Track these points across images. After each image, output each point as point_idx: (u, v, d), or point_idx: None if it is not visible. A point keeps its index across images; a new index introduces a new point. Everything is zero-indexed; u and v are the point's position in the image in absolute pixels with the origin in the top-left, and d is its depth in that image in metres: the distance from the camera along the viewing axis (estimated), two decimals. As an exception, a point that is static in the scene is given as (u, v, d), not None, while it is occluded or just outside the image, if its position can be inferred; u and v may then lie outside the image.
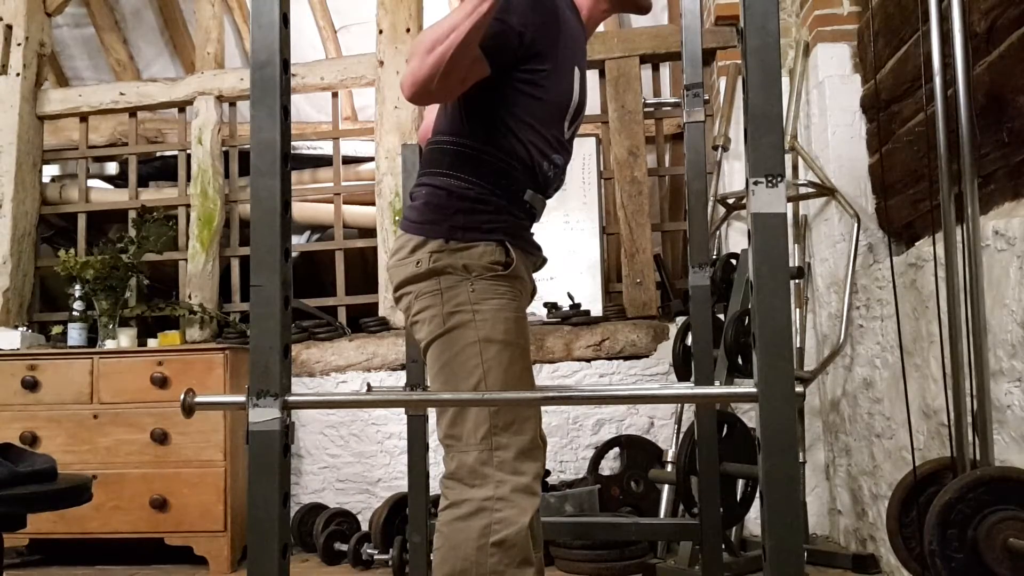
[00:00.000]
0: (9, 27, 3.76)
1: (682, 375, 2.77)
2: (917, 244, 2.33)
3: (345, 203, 3.83)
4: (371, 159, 3.92)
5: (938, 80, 1.92)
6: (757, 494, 1.99)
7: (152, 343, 3.25)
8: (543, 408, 2.84)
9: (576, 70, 1.55)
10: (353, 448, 3.33)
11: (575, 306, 3.31)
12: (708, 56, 3.34)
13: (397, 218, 3.42)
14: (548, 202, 1.61)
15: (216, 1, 3.88)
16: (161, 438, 2.93)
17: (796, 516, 0.90)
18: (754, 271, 0.90)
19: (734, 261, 2.88)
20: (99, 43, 5.07)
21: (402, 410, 2.73)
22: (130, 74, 5.08)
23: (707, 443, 2.07)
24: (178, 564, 3.00)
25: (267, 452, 0.96)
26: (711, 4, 3.45)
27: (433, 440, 1.79)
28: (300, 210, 4.15)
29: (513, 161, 1.50)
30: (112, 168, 4.46)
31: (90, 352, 3.09)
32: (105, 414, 2.98)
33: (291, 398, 0.99)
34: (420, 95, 1.37)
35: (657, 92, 3.73)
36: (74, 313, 3.37)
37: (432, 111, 1.66)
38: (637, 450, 3.13)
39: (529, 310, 1.60)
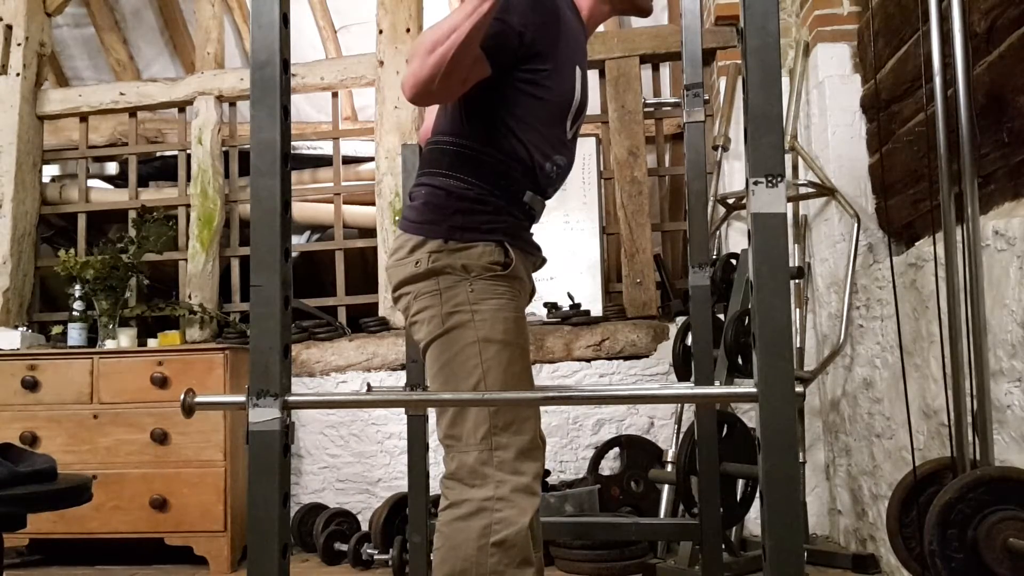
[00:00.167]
0: (9, 27, 3.76)
1: (682, 375, 2.77)
2: (917, 244, 2.33)
3: (345, 203, 3.83)
4: (371, 159, 3.92)
5: (938, 80, 1.92)
6: (757, 494, 1.99)
7: (152, 343, 3.25)
8: (543, 408, 2.85)
9: (577, 70, 1.55)
10: (353, 448, 3.33)
11: (575, 306, 3.31)
12: (708, 56, 3.34)
13: (397, 218, 3.42)
14: (548, 202, 1.61)
15: (216, 1, 3.88)
16: (161, 438, 2.93)
17: (796, 516, 0.90)
18: (754, 271, 0.90)
19: (734, 261, 2.88)
20: (99, 43, 5.07)
21: (402, 410, 2.73)
22: (130, 74, 5.08)
23: (707, 443, 2.07)
24: (178, 564, 3.00)
25: (267, 452, 0.97)
26: (711, 4, 3.45)
27: (433, 440, 1.79)
28: (300, 210, 4.15)
29: (513, 162, 1.49)
30: (112, 168, 4.46)
31: (90, 352, 3.09)
32: (105, 414, 2.98)
33: (291, 398, 0.99)
34: (421, 96, 1.37)
35: (657, 92, 3.73)
36: (74, 313, 3.37)
37: (433, 112, 1.66)
38: (637, 450, 3.13)
39: (529, 310, 1.60)
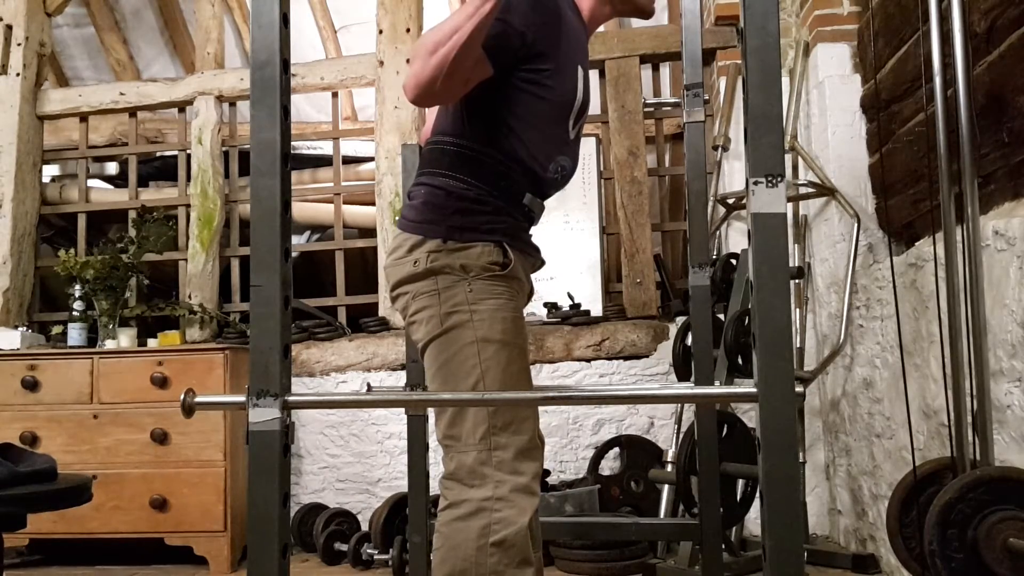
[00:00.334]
0: (9, 27, 3.76)
1: (682, 375, 2.77)
2: (917, 244, 2.33)
3: (345, 203, 3.83)
4: (371, 159, 3.92)
5: (938, 80, 1.92)
6: (757, 494, 1.99)
7: (152, 343, 3.25)
8: (542, 408, 2.85)
9: (579, 69, 1.55)
10: (353, 448, 3.33)
11: (575, 306, 3.31)
12: (708, 56, 3.34)
13: (396, 218, 3.42)
14: (548, 202, 1.61)
15: (216, 1, 3.88)
16: (161, 438, 2.93)
17: (796, 516, 0.90)
18: (754, 271, 0.90)
19: (734, 261, 2.88)
20: (99, 43, 5.07)
21: (402, 410, 2.73)
22: (130, 74, 5.08)
23: (707, 443, 2.06)
24: (178, 564, 3.00)
25: (267, 452, 0.97)
26: (711, 4, 3.45)
27: (433, 440, 1.79)
28: (300, 210, 4.15)
29: (513, 163, 1.49)
30: (112, 168, 4.46)
31: (90, 352, 3.09)
32: (105, 414, 2.98)
33: (291, 398, 0.99)
34: (423, 97, 1.37)
35: (657, 92, 3.74)
36: (74, 313, 3.37)
37: (434, 113, 1.66)
38: (637, 450, 3.13)
39: (529, 310, 1.60)
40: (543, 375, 3.24)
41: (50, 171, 4.31)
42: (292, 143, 1.05)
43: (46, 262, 3.73)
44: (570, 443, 3.23)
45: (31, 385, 3.00)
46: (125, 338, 3.25)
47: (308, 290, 3.74)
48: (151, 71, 5.12)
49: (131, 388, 2.98)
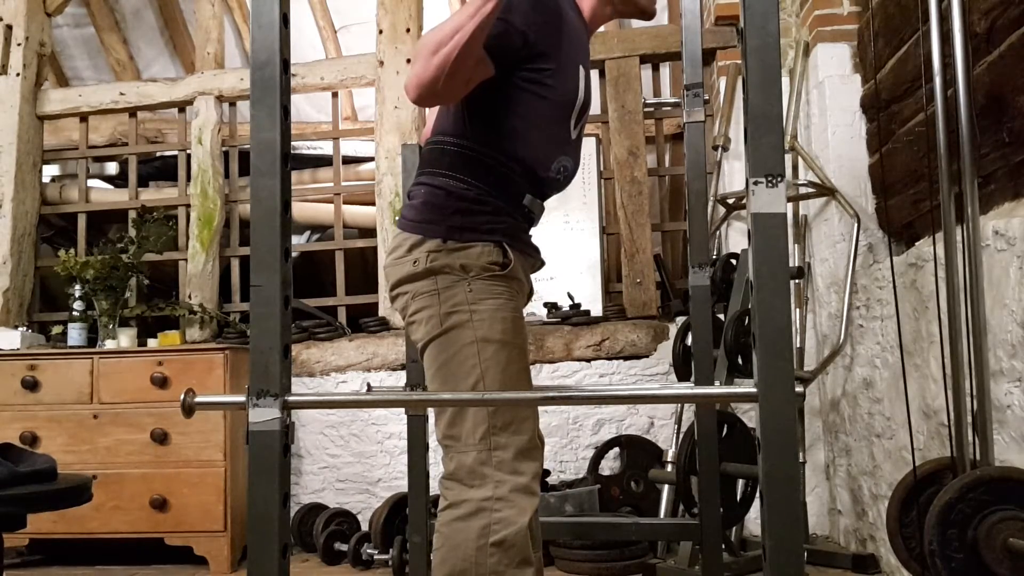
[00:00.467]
0: (9, 27, 3.76)
1: (682, 375, 2.77)
2: (917, 244, 2.33)
3: (345, 203, 3.83)
4: (371, 159, 3.92)
5: (938, 80, 1.92)
6: (757, 494, 1.99)
7: (152, 343, 3.25)
8: (542, 408, 2.85)
9: (580, 69, 1.56)
10: (353, 448, 3.33)
11: (575, 306, 3.31)
12: (708, 56, 3.34)
13: (396, 218, 3.42)
14: (548, 202, 1.61)
15: (216, 1, 3.88)
16: (161, 438, 2.93)
17: (796, 516, 0.90)
18: (754, 271, 0.90)
19: (734, 261, 2.88)
20: (99, 43, 5.07)
21: (402, 410, 2.73)
22: (130, 74, 5.08)
23: (707, 443, 2.06)
24: (178, 564, 3.00)
25: (267, 452, 0.96)
26: (711, 4, 3.45)
27: (433, 440, 1.79)
28: (300, 210, 4.15)
29: (513, 164, 1.49)
30: (112, 168, 4.46)
31: (90, 352, 3.09)
32: (105, 414, 2.98)
33: (291, 398, 0.99)
34: (425, 97, 1.37)
35: (657, 92, 3.74)
36: (74, 313, 3.37)
37: (434, 113, 1.67)
38: (637, 450, 3.13)
39: (529, 310, 1.60)
40: (543, 375, 3.24)
41: (50, 171, 4.31)
42: (292, 143, 1.05)
43: (46, 262, 3.73)
44: (570, 443, 3.23)
45: (31, 385, 3.00)
46: (125, 338, 3.25)
47: (308, 290, 3.74)
48: (151, 71, 5.12)
49: (131, 388, 2.98)
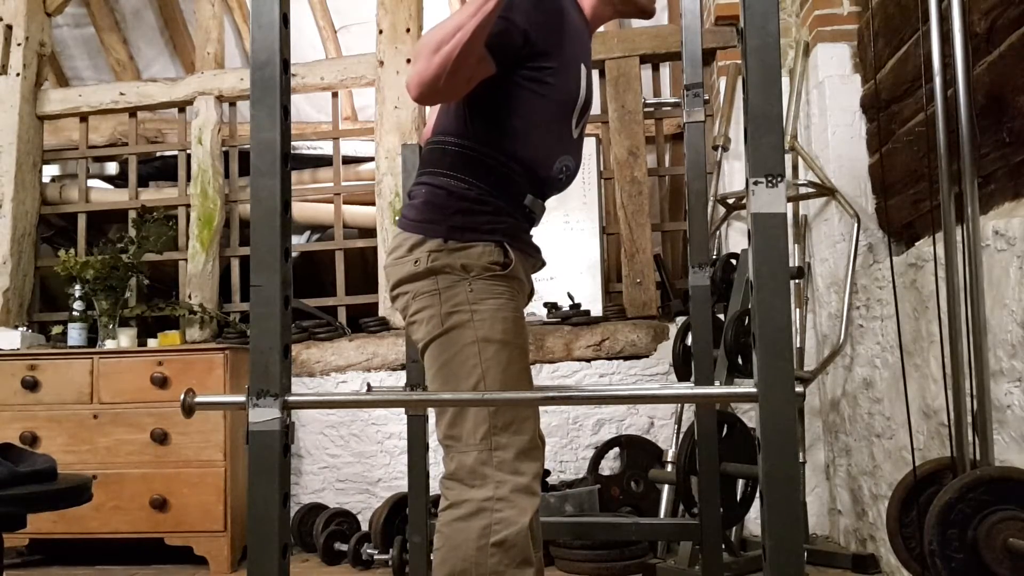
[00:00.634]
0: (9, 27, 3.76)
1: (682, 375, 2.77)
2: (917, 244, 2.33)
3: (345, 203, 3.83)
4: (371, 159, 3.92)
5: (938, 80, 1.92)
6: (757, 494, 1.99)
7: (152, 343, 3.25)
8: (542, 408, 2.85)
9: (582, 67, 1.56)
10: (353, 448, 3.33)
11: (575, 306, 3.31)
12: (708, 56, 3.34)
13: (397, 218, 3.42)
14: (548, 202, 1.61)
15: (216, 1, 3.88)
16: (161, 438, 2.93)
17: (796, 516, 0.90)
18: (754, 271, 0.90)
19: (734, 261, 2.88)
20: (99, 43, 5.07)
21: (402, 410, 2.73)
22: (130, 74, 5.08)
23: (707, 443, 2.06)
24: (178, 564, 3.00)
25: (267, 452, 0.96)
26: (711, 4, 3.45)
27: (433, 440, 1.79)
28: (300, 210, 4.15)
29: (514, 164, 1.49)
30: (112, 168, 4.46)
31: (90, 352, 3.09)
32: (105, 414, 2.98)
33: (291, 398, 0.99)
34: (427, 95, 1.37)
35: (657, 92, 3.73)
36: (74, 313, 3.37)
37: (435, 113, 1.66)
38: (637, 450, 3.13)
39: (529, 310, 1.60)
40: (543, 375, 3.24)
41: (50, 171, 4.31)
42: (292, 143, 1.05)
43: (46, 262, 3.73)
44: (570, 443, 3.23)
45: (31, 385, 3.00)
46: (125, 338, 3.25)
47: (308, 290, 3.74)
48: (151, 71, 5.12)
49: (131, 388, 2.98)
